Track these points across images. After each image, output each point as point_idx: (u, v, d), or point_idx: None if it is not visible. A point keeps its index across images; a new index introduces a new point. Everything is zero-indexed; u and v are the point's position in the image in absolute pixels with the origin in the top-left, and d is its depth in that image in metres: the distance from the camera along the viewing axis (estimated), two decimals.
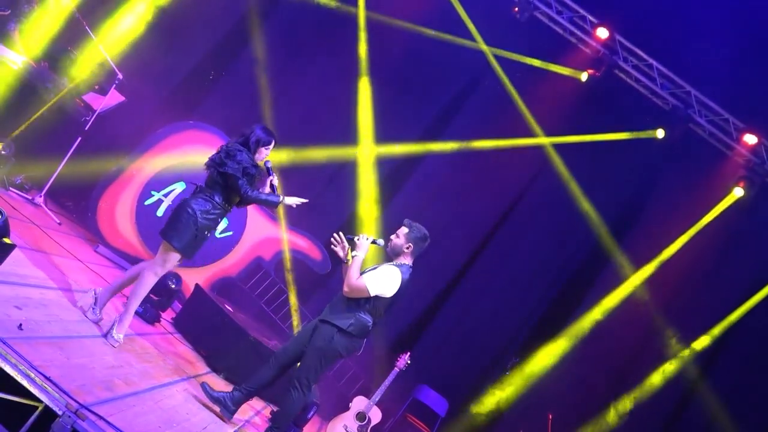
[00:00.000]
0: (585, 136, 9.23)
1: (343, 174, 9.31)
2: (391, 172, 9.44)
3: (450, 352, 9.35)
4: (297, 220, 8.35)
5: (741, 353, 9.04)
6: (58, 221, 6.91)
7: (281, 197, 5.25)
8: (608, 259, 9.31)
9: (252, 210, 7.66)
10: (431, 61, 9.33)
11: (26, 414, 3.43)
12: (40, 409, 3.43)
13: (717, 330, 9.04)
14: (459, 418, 8.96)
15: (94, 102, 7.29)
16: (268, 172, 5.34)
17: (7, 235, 4.31)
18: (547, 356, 9.13)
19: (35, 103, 6.77)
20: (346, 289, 5.01)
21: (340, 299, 5.08)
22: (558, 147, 9.41)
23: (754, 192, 8.99)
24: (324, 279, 8.65)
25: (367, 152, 9.27)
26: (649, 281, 9.17)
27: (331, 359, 5.13)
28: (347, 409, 6.98)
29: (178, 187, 7.16)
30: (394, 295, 5.02)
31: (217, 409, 5.17)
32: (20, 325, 4.01)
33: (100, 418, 3.65)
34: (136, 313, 5.67)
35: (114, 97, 7.37)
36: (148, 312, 6.28)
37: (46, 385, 3.51)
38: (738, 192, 9.03)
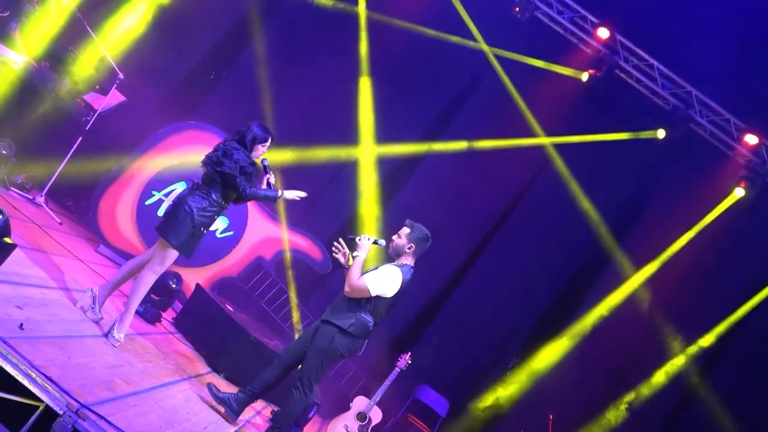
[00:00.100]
0: (586, 136, 9.23)
1: (344, 174, 9.31)
2: (391, 171, 9.44)
3: (450, 352, 9.35)
4: (298, 219, 8.36)
5: (742, 353, 9.03)
6: (59, 221, 6.91)
7: (280, 191, 5.26)
8: (609, 259, 9.31)
9: (253, 210, 7.66)
10: (432, 60, 9.34)
11: (27, 413, 3.43)
12: (41, 408, 3.43)
13: (718, 330, 9.04)
14: (460, 418, 8.96)
15: (95, 102, 7.29)
16: (265, 170, 5.34)
17: (8, 234, 4.31)
18: (547, 356, 9.13)
19: (36, 103, 6.78)
20: (347, 289, 5.01)
21: (341, 299, 5.09)
22: (559, 147, 9.41)
23: (755, 192, 8.98)
24: (324, 279, 8.65)
25: (367, 152, 9.28)
26: (650, 281, 9.16)
27: (332, 359, 5.13)
28: (348, 409, 6.99)
29: (179, 187, 7.15)
30: (395, 295, 5.02)
31: (222, 410, 5.18)
32: (21, 324, 4.02)
33: (101, 417, 3.65)
34: (137, 312, 5.68)
35: (115, 97, 7.37)
36: (149, 312, 6.28)
37: (46, 385, 3.51)
38: (739, 192, 9.03)
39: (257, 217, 7.77)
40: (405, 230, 5.14)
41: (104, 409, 3.78)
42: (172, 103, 8.55)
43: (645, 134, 9.19)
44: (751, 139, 8.87)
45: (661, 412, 9.08)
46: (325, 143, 8.99)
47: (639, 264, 9.24)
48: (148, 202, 7.20)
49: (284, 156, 8.42)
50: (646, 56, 9.06)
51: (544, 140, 9.41)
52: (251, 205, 7.60)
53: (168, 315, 6.87)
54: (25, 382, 3.43)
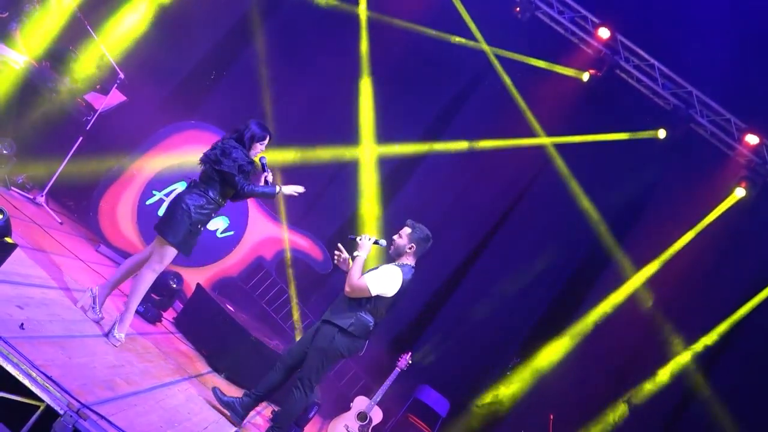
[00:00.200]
0: (586, 136, 9.23)
1: (345, 174, 9.31)
2: (392, 171, 9.44)
3: (451, 352, 9.35)
4: (298, 219, 8.36)
5: (742, 353, 9.03)
6: (60, 221, 6.91)
7: (278, 187, 5.26)
8: (609, 259, 9.31)
9: (253, 210, 7.66)
10: (432, 60, 9.34)
11: (28, 413, 3.43)
12: (41, 408, 3.44)
13: (718, 330, 9.04)
14: (460, 418, 8.96)
15: (95, 101, 7.30)
16: (263, 168, 5.34)
17: (8, 234, 4.31)
18: (547, 356, 9.13)
19: (37, 103, 6.78)
20: (347, 288, 5.01)
21: (341, 299, 5.09)
22: (559, 147, 9.41)
23: (756, 192, 8.98)
24: (325, 279, 8.65)
25: (368, 152, 9.28)
26: (651, 281, 9.16)
27: (332, 359, 5.14)
28: (348, 409, 6.98)
29: (180, 187, 7.14)
30: (396, 295, 5.02)
31: (228, 413, 5.19)
32: (22, 324, 4.02)
33: (102, 417, 3.65)
34: (137, 312, 5.68)
35: (115, 97, 7.37)
36: (150, 311, 6.28)
37: (47, 385, 3.51)
38: (739, 192, 9.02)
39: (258, 217, 7.77)
40: (406, 230, 5.14)
41: (105, 409, 3.78)
42: (172, 103, 8.55)
43: (645, 134, 9.18)
44: (752, 139, 8.86)
45: (662, 411, 9.09)
46: (326, 143, 8.99)
47: (639, 264, 9.24)
48: (148, 202, 7.21)
49: (285, 156, 8.42)
50: (646, 56, 9.06)
51: (544, 140, 9.41)
52: (252, 205, 7.60)
53: (168, 315, 6.87)
54: (26, 382, 3.43)
